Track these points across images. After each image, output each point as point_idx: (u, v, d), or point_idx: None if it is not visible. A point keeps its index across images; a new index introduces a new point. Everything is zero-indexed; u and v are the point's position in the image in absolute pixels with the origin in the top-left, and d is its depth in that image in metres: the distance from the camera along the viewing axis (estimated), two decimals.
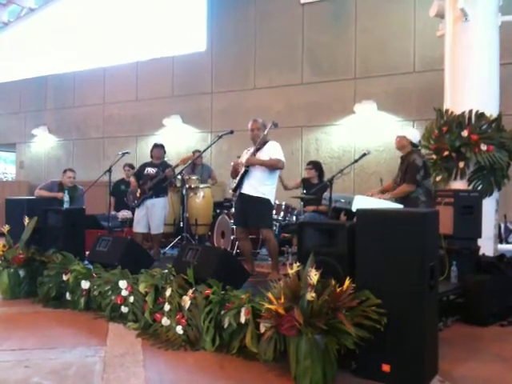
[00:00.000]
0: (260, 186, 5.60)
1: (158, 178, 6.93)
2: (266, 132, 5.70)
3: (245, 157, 5.79)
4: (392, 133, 6.27)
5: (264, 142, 5.71)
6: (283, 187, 7.28)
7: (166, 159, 7.44)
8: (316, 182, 7.22)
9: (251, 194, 5.62)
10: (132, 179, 7.40)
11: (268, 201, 5.65)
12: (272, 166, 5.59)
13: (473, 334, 4.49)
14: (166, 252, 7.75)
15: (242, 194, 5.71)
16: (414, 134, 5.86)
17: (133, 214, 7.52)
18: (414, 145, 5.66)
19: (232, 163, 5.94)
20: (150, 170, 7.14)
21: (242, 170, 5.65)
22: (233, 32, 11.55)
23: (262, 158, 5.60)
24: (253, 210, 5.62)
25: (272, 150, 5.63)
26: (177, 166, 7.07)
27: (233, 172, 5.86)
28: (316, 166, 7.49)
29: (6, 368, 3.61)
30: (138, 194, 7.05)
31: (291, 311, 3.26)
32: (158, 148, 7.31)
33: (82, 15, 14.05)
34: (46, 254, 5.80)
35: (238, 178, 5.72)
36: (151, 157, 7.39)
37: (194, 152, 9.09)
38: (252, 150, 5.74)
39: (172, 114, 12.13)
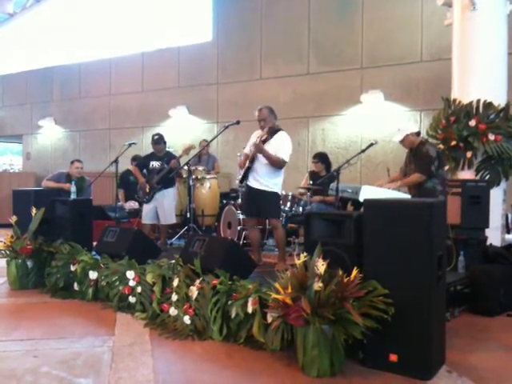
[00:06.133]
0: (266, 180, 5.56)
1: (163, 172, 6.92)
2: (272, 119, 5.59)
3: (252, 141, 5.72)
4: (399, 122, 6.25)
5: (274, 132, 5.58)
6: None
7: (169, 149, 7.40)
8: (324, 175, 7.17)
9: (258, 187, 5.59)
10: (135, 170, 7.40)
11: (275, 193, 5.62)
12: (274, 164, 5.50)
13: (480, 324, 4.48)
14: (173, 243, 7.76)
15: (249, 187, 5.70)
16: (408, 125, 5.75)
17: (140, 205, 7.52)
18: (417, 133, 5.56)
19: (240, 155, 5.88)
20: (155, 164, 7.12)
21: (247, 164, 5.62)
22: (239, 22, 11.50)
23: (269, 151, 5.52)
24: (261, 203, 5.60)
25: (279, 146, 5.52)
26: (180, 156, 7.04)
27: (242, 162, 5.81)
28: (322, 158, 7.40)
29: (15, 358, 3.64)
30: (147, 190, 7.06)
31: (298, 301, 3.26)
32: (157, 144, 7.18)
33: (88, 6, 14.02)
34: (53, 244, 5.82)
35: (243, 171, 5.69)
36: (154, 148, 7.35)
37: (201, 142, 9.08)
38: (260, 135, 5.66)
39: (178, 104, 12.13)
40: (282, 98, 10.52)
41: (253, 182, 5.63)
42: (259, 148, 5.46)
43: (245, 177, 5.68)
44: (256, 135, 5.74)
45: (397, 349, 3.28)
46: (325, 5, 10.29)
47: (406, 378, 3.22)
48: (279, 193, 5.72)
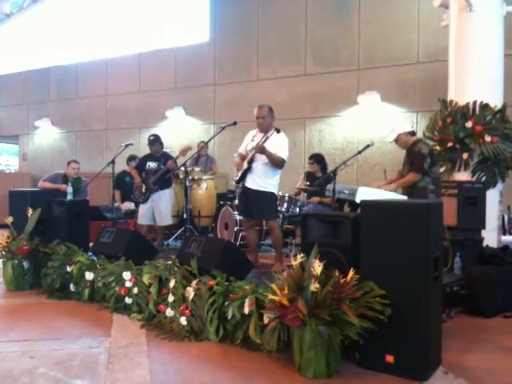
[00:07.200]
0: (263, 180, 5.58)
1: (160, 172, 6.91)
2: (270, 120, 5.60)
3: (249, 144, 5.72)
4: (395, 124, 6.24)
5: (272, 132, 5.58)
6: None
7: (166, 150, 7.38)
8: (320, 175, 7.17)
9: (254, 188, 5.60)
10: (134, 172, 7.39)
11: (271, 194, 5.64)
12: (275, 163, 5.52)
13: (476, 326, 4.49)
14: (170, 243, 7.77)
15: (245, 187, 5.70)
16: (400, 126, 5.72)
17: (137, 206, 7.52)
18: (411, 133, 5.52)
19: (236, 156, 5.88)
20: (152, 165, 7.11)
21: (245, 165, 5.61)
22: (236, 23, 11.50)
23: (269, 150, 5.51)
24: (256, 203, 5.61)
25: (278, 146, 5.52)
26: (177, 157, 7.04)
27: (239, 163, 5.80)
28: (317, 159, 7.40)
29: (11, 359, 3.63)
30: (143, 190, 7.06)
31: (295, 302, 3.26)
32: (153, 145, 7.15)
33: (85, 6, 13.99)
34: (49, 245, 5.81)
35: (240, 172, 5.69)
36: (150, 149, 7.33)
37: (199, 143, 9.08)
38: (258, 137, 5.66)
39: (175, 105, 12.11)
40: (278, 99, 10.49)
41: (250, 183, 5.64)
42: (262, 150, 5.45)
43: (242, 177, 5.68)
44: (251, 135, 5.76)
45: (393, 350, 3.28)
46: (322, 5, 10.29)
47: (402, 379, 3.22)
48: (275, 193, 5.72)
